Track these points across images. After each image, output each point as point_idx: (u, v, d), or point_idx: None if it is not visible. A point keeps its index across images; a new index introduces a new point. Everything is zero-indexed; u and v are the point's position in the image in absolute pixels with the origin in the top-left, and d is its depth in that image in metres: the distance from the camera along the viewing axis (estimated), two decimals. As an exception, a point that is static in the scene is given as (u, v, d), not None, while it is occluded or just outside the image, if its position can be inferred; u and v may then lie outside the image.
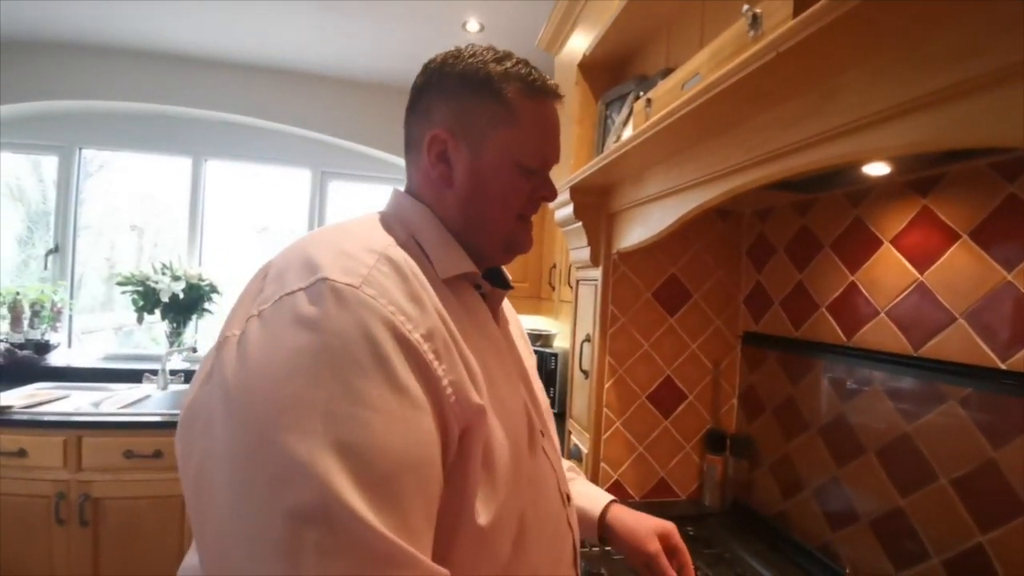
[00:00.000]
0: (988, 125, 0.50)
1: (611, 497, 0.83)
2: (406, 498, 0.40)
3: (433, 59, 0.61)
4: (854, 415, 1.11)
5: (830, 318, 1.19)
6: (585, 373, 1.51)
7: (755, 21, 0.63)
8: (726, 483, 1.44)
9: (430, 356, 0.45)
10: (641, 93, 1.00)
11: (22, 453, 1.85)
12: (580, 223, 1.43)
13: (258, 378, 0.41)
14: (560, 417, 2.26)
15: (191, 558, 0.49)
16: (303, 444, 0.38)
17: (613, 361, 1.44)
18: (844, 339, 1.15)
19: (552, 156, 0.62)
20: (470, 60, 0.58)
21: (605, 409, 1.43)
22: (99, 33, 2.33)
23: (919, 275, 0.98)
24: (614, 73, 1.41)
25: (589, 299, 1.52)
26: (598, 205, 1.42)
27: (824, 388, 1.20)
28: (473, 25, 2.04)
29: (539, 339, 2.37)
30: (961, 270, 0.90)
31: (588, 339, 1.50)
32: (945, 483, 0.90)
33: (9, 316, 2.46)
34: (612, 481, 1.44)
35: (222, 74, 2.62)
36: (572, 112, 1.49)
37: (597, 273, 1.46)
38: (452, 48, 0.61)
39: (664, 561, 0.74)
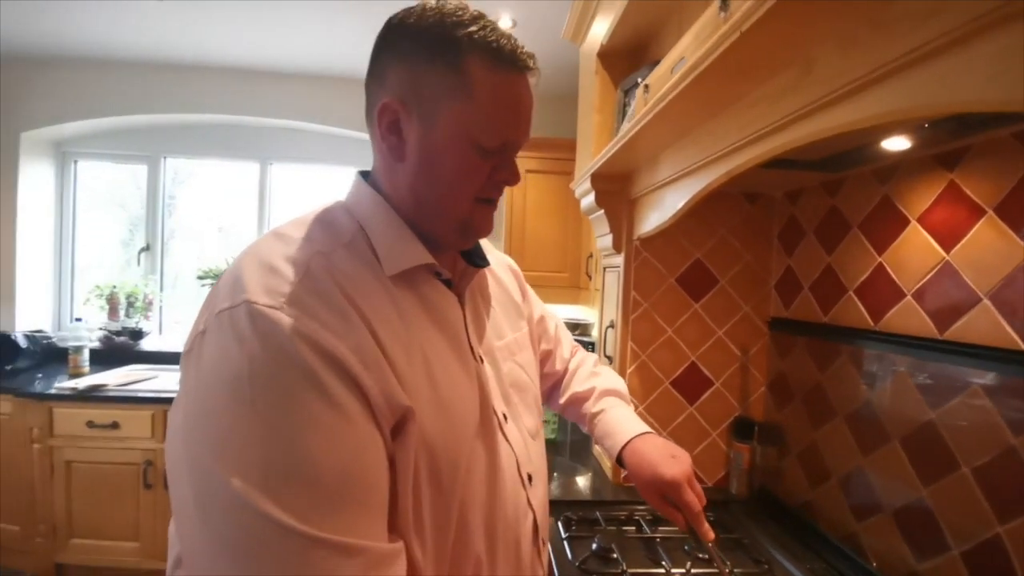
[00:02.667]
0: (954, 88, 0.49)
1: (632, 434, 0.81)
2: (353, 506, 0.43)
3: (396, 14, 0.56)
4: (880, 402, 1.07)
5: (857, 302, 1.15)
6: (609, 359, 1.53)
7: (724, 2, 0.64)
8: (753, 471, 1.41)
9: (359, 368, 0.45)
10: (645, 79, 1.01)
11: (115, 425, 2.12)
12: (602, 210, 1.45)
13: (200, 405, 0.44)
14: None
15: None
16: (240, 479, 0.40)
17: (635, 347, 1.45)
18: (871, 323, 1.10)
19: (516, 136, 0.56)
20: (431, 19, 0.52)
21: (628, 394, 1.45)
22: (179, 52, 2.59)
23: (945, 254, 0.93)
24: (633, 60, 1.41)
25: (613, 286, 1.53)
26: (619, 192, 1.43)
27: (851, 374, 1.16)
28: (506, 21, 2.08)
29: (577, 328, 2.40)
30: (986, 247, 0.85)
31: (612, 325, 1.52)
32: (966, 472, 0.86)
33: (107, 307, 2.80)
34: (635, 465, 1.45)
35: (283, 84, 2.82)
36: (592, 100, 1.51)
37: (620, 259, 1.47)
38: (419, 3, 0.55)
39: (666, 511, 0.76)
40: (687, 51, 0.78)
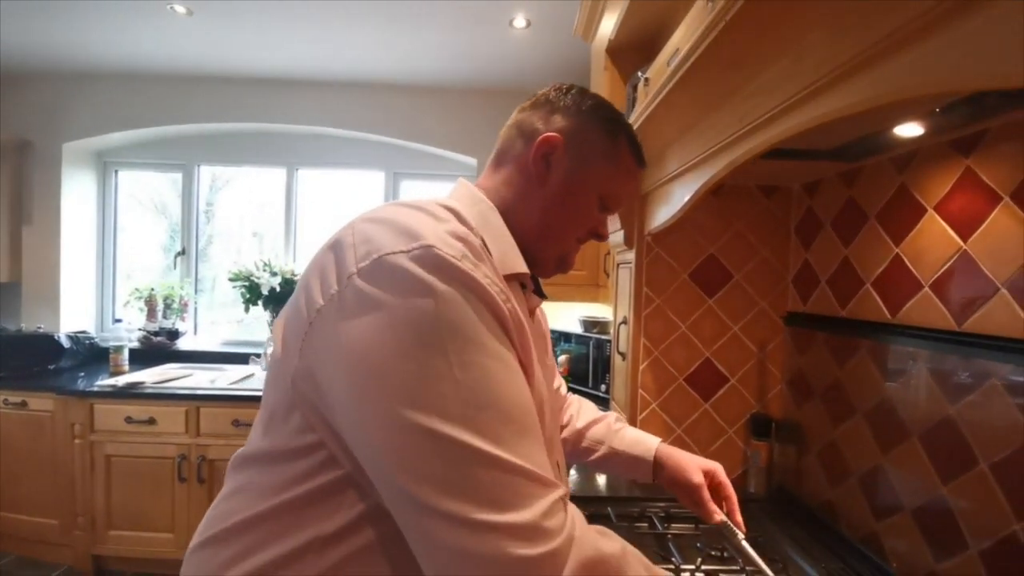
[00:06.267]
0: (937, 69, 0.48)
1: (659, 439, 0.93)
2: (532, 437, 0.46)
3: (572, 85, 0.69)
4: (899, 397, 1.04)
5: (875, 295, 1.11)
6: (623, 355, 1.53)
7: (712, -9, 0.64)
8: (771, 469, 1.38)
9: (510, 325, 0.50)
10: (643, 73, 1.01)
11: (152, 421, 2.22)
12: (613, 206, 1.45)
13: (382, 346, 0.43)
14: (607, 403, 2.27)
15: (254, 445, 0.55)
16: (440, 418, 0.41)
17: (648, 343, 1.44)
18: (888, 316, 1.07)
19: (619, 209, 0.72)
20: (603, 102, 0.68)
21: (640, 391, 1.44)
22: (210, 64, 2.70)
23: (962, 243, 0.90)
24: (642, 55, 1.40)
25: (626, 282, 1.53)
26: (630, 188, 1.42)
27: (869, 370, 1.12)
28: (520, 21, 2.09)
29: (596, 326, 2.39)
30: (1003, 235, 0.82)
31: (625, 322, 1.51)
32: (985, 468, 0.83)
33: (146, 309, 2.94)
34: (649, 462, 1.44)
35: (307, 92, 2.91)
36: (602, 97, 1.51)
37: (632, 256, 1.46)
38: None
39: (705, 493, 0.84)
40: (681, 42, 0.78)
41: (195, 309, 3.27)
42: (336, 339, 0.45)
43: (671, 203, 1.18)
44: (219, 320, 3.38)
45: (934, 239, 0.97)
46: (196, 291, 3.25)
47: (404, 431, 0.42)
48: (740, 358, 1.45)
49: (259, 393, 2.30)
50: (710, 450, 1.45)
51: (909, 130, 0.91)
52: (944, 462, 0.92)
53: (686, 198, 1.07)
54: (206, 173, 3.26)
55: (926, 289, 0.98)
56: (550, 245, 0.66)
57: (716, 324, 1.44)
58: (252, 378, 2.65)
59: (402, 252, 0.45)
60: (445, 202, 0.57)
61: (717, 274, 1.44)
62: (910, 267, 1.02)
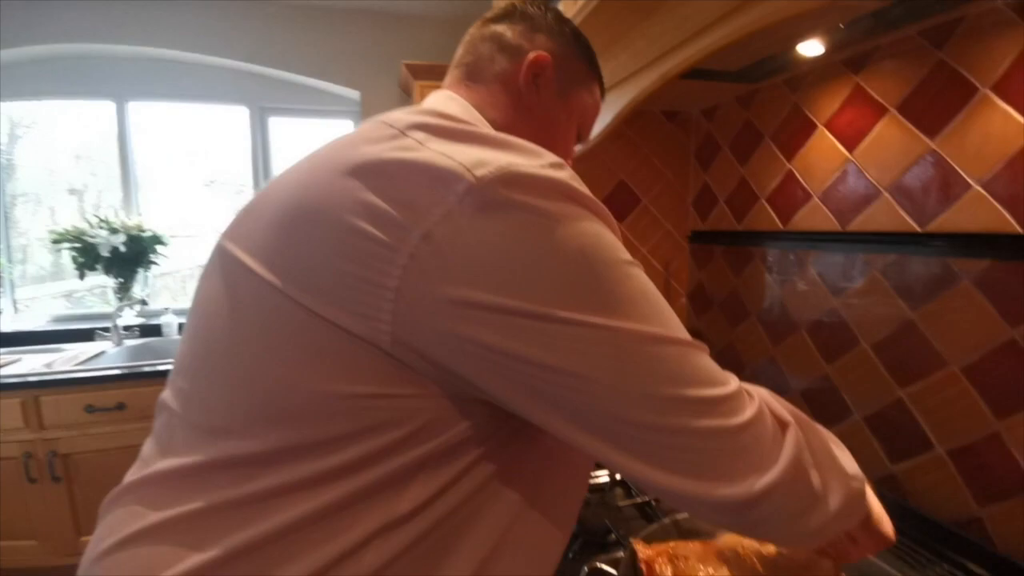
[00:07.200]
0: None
1: None
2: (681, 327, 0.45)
3: (544, 2, 0.63)
4: (788, 297, 1.18)
5: (768, 208, 1.23)
6: (541, 286, 1.54)
7: None
8: (679, 377, 1.52)
9: None
10: (571, -22, 0.95)
11: (-23, 417, 1.80)
12: (526, 133, 1.40)
13: (556, 256, 0.39)
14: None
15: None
16: (619, 318, 0.39)
17: (567, 271, 1.46)
18: (780, 226, 1.19)
19: (586, 139, 0.68)
20: (578, 29, 0.63)
21: (562, 318, 1.47)
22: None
23: (849, 155, 1.01)
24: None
25: (541, 212, 1.52)
26: (542, 113, 1.39)
27: (761, 275, 1.26)
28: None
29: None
30: (888, 144, 0.93)
31: (542, 252, 1.51)
32: (866, 347, 0.97)
33: (-61, 284, 2.32)
34: (573, 385, 1.50)
35: (140, 4, 2.37)
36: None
37: (546, 184, 1.45)
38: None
39: None
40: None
41: (11, 283, 2.65)
42: (492, 258, 0.38)
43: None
44: (39, 296, 2.78)
45: (823, 153, 1.07)
46: (10, 261, 2.62)
47: (608, 339, 0.39)
48: (648, 278, 1.53)
49: (116, 372, 1.97)
50: (626, 367, 1.55)
51: (811, 48, 0.97)
52: (828, 347, 1.06)
53: (607, 119, 1.07)
54: (4, 115, 2.56)
55: (815, 199, 1.10)
56: None
57: (626, 247, 1.49)
58: (103, 356, 2.25)
59: (533, 166, 0.40)
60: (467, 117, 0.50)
61: (627, 199, 1.48)
62: (801, 180, 1.13)
